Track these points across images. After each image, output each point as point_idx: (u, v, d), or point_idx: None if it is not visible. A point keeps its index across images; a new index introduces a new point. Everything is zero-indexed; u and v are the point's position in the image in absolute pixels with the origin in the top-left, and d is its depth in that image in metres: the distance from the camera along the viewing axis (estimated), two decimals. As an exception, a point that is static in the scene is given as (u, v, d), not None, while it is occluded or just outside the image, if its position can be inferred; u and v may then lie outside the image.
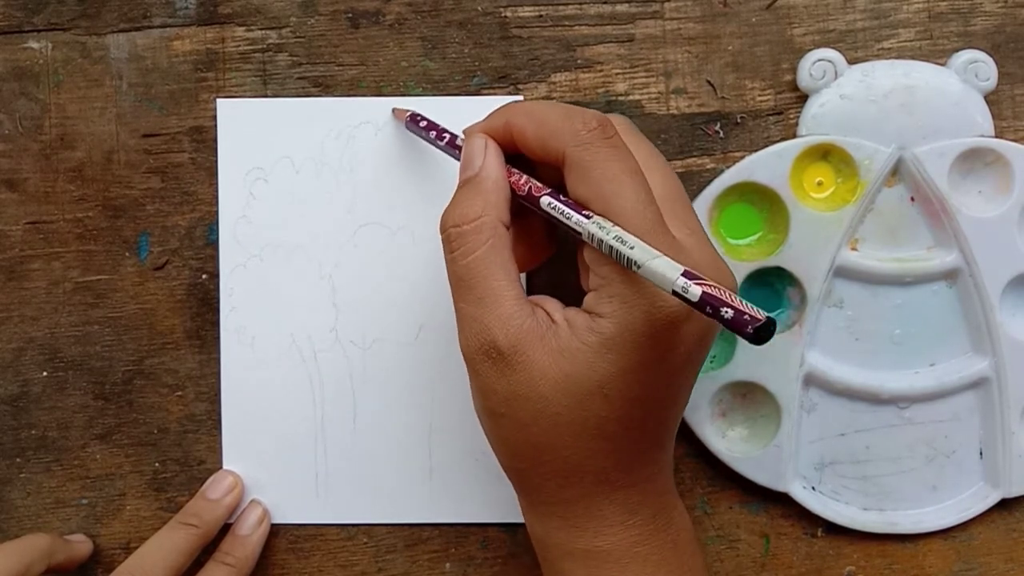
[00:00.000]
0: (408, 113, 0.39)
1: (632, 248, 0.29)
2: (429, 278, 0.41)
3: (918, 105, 0.39)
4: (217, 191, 0.41)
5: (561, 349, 0.31)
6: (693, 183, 0.41)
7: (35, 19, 0.41)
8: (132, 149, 0.41)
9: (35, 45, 0.41)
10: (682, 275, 0.27)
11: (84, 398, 0.41)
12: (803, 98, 0.40)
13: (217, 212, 0.41)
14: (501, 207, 0.33)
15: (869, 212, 0.40)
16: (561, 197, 0.32)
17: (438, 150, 0.38)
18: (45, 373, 0.41)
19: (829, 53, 0.40)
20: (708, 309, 0.27)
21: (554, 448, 0.32)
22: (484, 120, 0.35)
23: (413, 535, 0.41)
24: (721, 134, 0.41)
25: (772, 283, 0.41)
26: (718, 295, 0.27)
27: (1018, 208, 0.39)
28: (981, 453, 0.41)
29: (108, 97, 0.41)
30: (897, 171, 0.40)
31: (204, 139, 0.41)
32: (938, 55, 0.41)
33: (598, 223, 0.30)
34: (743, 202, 0.40)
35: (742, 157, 0.40)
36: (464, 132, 0.36)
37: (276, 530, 0.41)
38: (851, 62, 0.40)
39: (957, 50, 0.40)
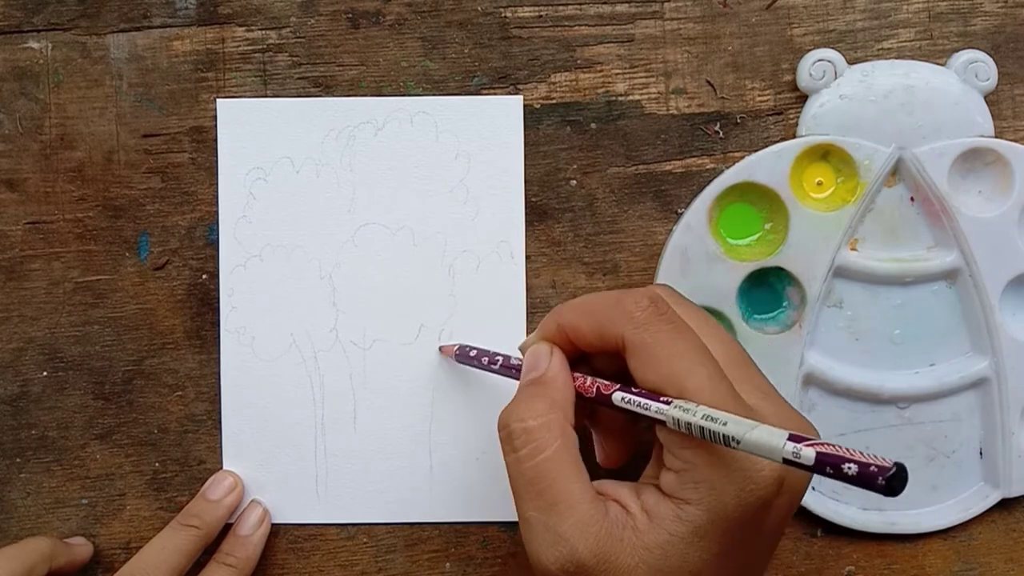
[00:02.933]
0: (456, 348, 0.39)
1: (725, 424, 0.27)
2: (429, 278, 0.41)
3: (918, 105, 0.39)
4: (217, 191, 0.41)
5: (647, 545, 0.29)
6: (693, 183, 0.41)
7: (35, 19, 0.41)
8: (132, 149, 0.41)
9: (35, 45, 0.41)
10: (788, 440, 0.26)
11: (84, 398, 0.41)
12: (803, 98, 0.40)
13: (217, 212, 0.41)
14: (568, 407, 0.31)
15: (869, 212, 0.40)
16: (632, 389, 0.31)
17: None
18: (45, 373, 0.41)
19: (829, 53, 0.40)
20: (828, 470, 0.25)
21: None
22: (536, 330, 0.34)
23: (413, 535, 0.41)
24: (721, 134, 0.41)
25: (772, 283, 0.41)
26: (836, 452, 0.25)
27: (1018, 208, 0.40)
28: (981, 453, 0.41)
29: (108, 97, 0.41)
30: (897, 171, 0.40)
31: (204, 139, 0.41)
32: (938, 55, 0.41)
33: (680, 406, 0.29)
34: (743, 202, 0.40)
35: (742, 157, 0.40)
36: (520, 347, 0.35)
37: (276, 530, 0.41)
38: (851, 62, 0.40)
39: (957, 50, 0.40)
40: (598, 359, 0.34)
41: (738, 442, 0.27)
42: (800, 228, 0.39)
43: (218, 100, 0.41)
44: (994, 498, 0.41)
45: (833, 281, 0.40)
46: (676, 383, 0.29)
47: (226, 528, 0.40)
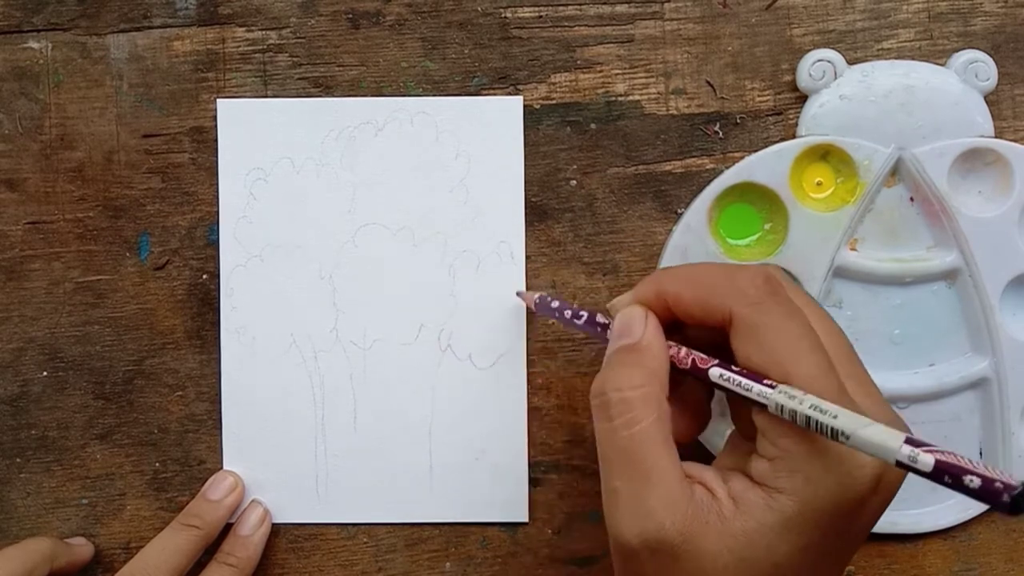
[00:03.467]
0: (536, 297, 0.38)
1: (836, 418, 0.26)
2: (429, 278, 0.41)
3: (918, 105, 0.39)
4: (217, 191, 0.41)
5: (733, 532, 0.28)
6: (692, 183, 0.41)
7: (35, 19, 0.41)
8: (132, 149, 0.41)
9: (35, 45, 0.41)
10: (905, 443, 0.25)
11: (84, 398, 0.41)
12: (803, 98, 0.40)
13: (217, 212, 0.41)
14: (664, 379, 0.30)
15: (868, 212, 0.40)
16: (732, 367, 0.29)
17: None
18: (45, 373, 0.41)
19: (829, 53, 0.40)
20: (947, 479, 0.24)
21: None
22: (633, 291, 0.33)
23: (413, 535, 0.41)
24: (721, 134, 0.41)
25: (772, 283, 0.41)
26: (957, 463, 0.24)
27: (1018, 208, 0.40)
28: (981, 453, 0.41)
29: (108, 97, 0.41)
30: (897, 171, 0.40)
31: (204, 139, 0.41)
32: (938, 55, 0.41)
33: (786, 392, 0.27)
34: (743, 202, 0.40)
35: (742, 157, 0.40)
36: (609, 307, 0.34)
37: (276, 530, 0.41)
38: (851, 62, 0.40)
39: (957, 50, 0.40)
40: (692, 330, 0.33)
41: (848, 437, 0.26)
42: (800, 228, 0.39)
43: (218, 100, 0.41)
44: (994, 498, 0.41)
45: (833, 281, 0.40)
46: (783, 367, 0.28)
47: (227, 528, 0.40)
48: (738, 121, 0.41)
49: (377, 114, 0.41)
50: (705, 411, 0.33)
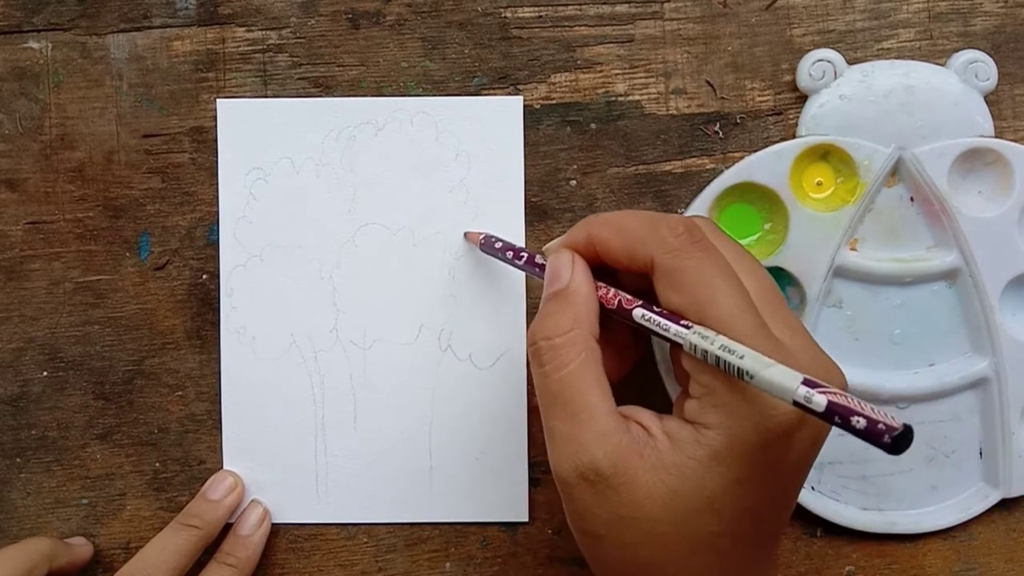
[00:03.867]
0: (481, 236, 0.39)
1: (742, 358, 0.27)
2: (429, 278, 0.41)
3: (918, 105, 0.39)
4: (217, 191, 0.41)
5: (666, 465, 0.29)
6: (692, 183, 0.41)
7: (35, 19, 0.41)
8: (132, 149, 0.41)
9: (35, 45, 0.41)
10: (802, 384, 0.26)
11: (84, 398, 0.41)
12: (803, 98, 0.40)
13: (217, 212, 0.41)
14: (592, 321, 0.32)
15: (869, 212, 0.40)
16: (654, 308, 0.31)
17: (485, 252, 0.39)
18: (45, 373, 0.41)
19: (829, 53, 0.40)
20: (836, 419, 0.25)
21: (661, 567, 0.30)
22: (565, 236, 0.34)
23: (413, 535, 0.41)
24: (721, 134, 0.41)
25: (772, 283, 0.41)
26: (847, 404, 0.25)
27: (1018, 208, 0.40)
28: (981, 453, 0.41)
29: (108, 97, 0.41)
30: (897, 171, 0.40)
31: (204, 139, 0.41)
32: (938, 55, 0.41)
33: (700, 333, 0.29)
34: (743, 202, 0.40)
35: (742, 157, 0.40)
36: (544, 250, 0.35)
37: (276, 530, 0.41)
38: (851, 62, 0.40)
39: (957, 50, 0.40)
40: (624, 276, 0.34)
41: (752, 377, 0.27)
42: (800, 228, 0.39)
43: (218, 100, 0.41)
44: (994, 498, 0.41)
45: (833, 281, 0.40)
46: (699, 309, 0.29)
47: (226, 528, 0.40)
48: (738, 121, 0.41)
49: (377, 114, 0.41)
50: (632, 350, 0.35)
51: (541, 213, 0.41)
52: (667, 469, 0.29)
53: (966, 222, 0.39)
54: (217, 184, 0.41)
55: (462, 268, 0.41)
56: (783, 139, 0.40)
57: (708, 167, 0.41)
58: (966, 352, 0.41)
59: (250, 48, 0.41)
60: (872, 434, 0.24)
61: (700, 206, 0.40)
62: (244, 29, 0.41)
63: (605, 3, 0.41)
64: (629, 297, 0.32)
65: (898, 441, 0.24)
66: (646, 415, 0.31)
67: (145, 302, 0.41)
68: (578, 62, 0.41)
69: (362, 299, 0.41)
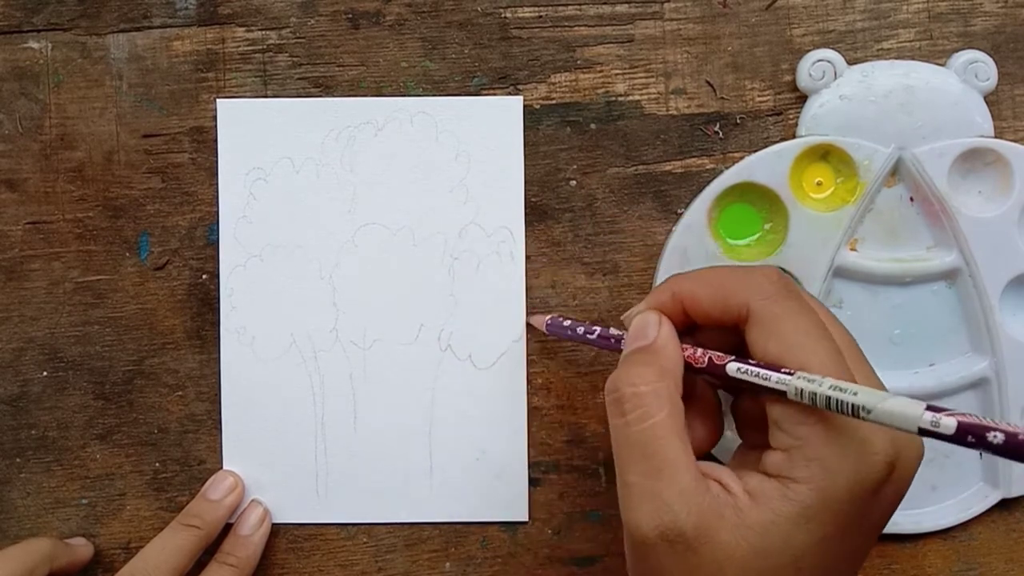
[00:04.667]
0: (548, 319, 0.39)
1: (856, 394, 0.26)
2: (429, 278, 0.41)
3: (918, 105, 0.39)
4: (217, 191, 0.41)
5: (749, 524, 0.28)
6: (692, 183, 0.41)
7: (35, 19, 0.41)
8: (132, 149, 0.41)
9: (35, 45, 0.41)
10: (927, 409, 0.25)
11: (84, 398, 0.41)
12: (802, 98, 0.40)
13: (217, 212, 0.41)
14: (678, 377, 0.31)
15: (868, 212, 0.40)
16: (749, 360, 0.30)
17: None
18: (45, 373, 0.41)
19: (828, 53, 0.40)
20: (970, 439, 0.24)
21: None
22: (647, 299, 0.33)
23: (413, 535, 0.41)
24: (720, 134, 0.41)
25: (772, 283, 0.41)
26: (978, 422, 0.24)
27: (1018, 208, 0.40)
28: (981, 453, 0.41)
29: (108, 97, 0.41)
30: (897, 171, 0.40)
31: (204, 139, 0.41)
32: (938, 55, 0.41)
33: (805, 377, 0.28)
34: (743, 202, 0.40)
35: (742, 157, 0.40)
36: (624, 318, 0.35)
37: (276, 530, 0.41)
38: (851, 62, 0.40)
39: (957, 50, 0.40)
40: (705, 334, 0.33)
41: (869, 411, 0.26)
42: (800, 228, 0.39)
43: (218, 100, 0.41)
44: (994, 498, 0.41)
45: (833, 281, 0.40)
46: (798, 355, 0.29)
47: (227, 528, 0.40)
48: (738, 121, 0.41)
49: (377, 114, 0.41)
50: (719, 421, 0.34)
51: (541, 213, 0.41)
52: (751, 528, 0.28)
53: (966, 222, 0.39)
54: (217, 184, 0.41)
55: (462, 268, 0.41)
56: (783, 139, 0.40)
57: (708, 167, 0.41)
58: (966, 352, 0.41)
59: (250, 48, 0.41)
60: (1015, 448, 0.23)
61: (700, 206, 0.40)
62: (244, 29, 0.41)
63: (605, 3, 0.41)
64: (719, 354, 0.31)
65: None
66: (725, 472, 0.30)
67: (145, 302, 0.41)
68: (578, 62, 0.41)
69: (362, 299, 0.41)
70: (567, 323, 0.38)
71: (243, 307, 0.41)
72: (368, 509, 0.41)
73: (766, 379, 0.29)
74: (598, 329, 0.36)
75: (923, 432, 0.25)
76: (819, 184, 0.40)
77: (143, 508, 0.41)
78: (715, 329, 0.32)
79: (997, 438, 0.23)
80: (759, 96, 0.41)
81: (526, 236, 0.41)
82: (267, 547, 0.41)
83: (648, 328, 0.32)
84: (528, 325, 0.41)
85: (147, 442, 0.41)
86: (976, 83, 0.39)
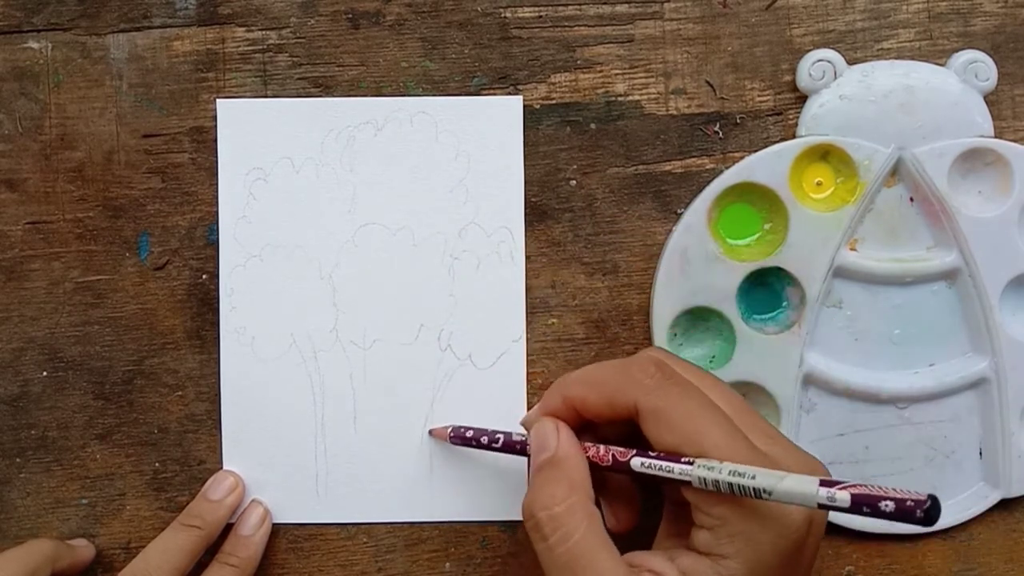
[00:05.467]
0: (449, 430, 0.39)
1: (754, 478, 0.28)
2: (429, 278, 0.41)
3: (918, 105, 0.39)
4: (217, 191, 0.41)
5: None
6: (692, 183, 0.41)
7: (35, 19, 0.41)
8: (132, 149, 0.41)
9: (35, 45, 0.41)
10: (820, 485, 0.27)
11: (84, 398, 0.41)
12: (802, 98, 0.40)
13: (217, 212, 0.41)
14: (587, 484, 0.32)
15: (868, 212, 0.40)
16: (650, 453, 0.31)
17: None
18: (45, 373, 0.41)
19: (828, 53, 0.40)
20: (865, 509, 0.26)
21: None
22: (540, 405, 0.35)
23: (413, 535, 0.41)
24: (720, 134, 0.41)
25: (771, 283, 0.41)
26: (869, 492, 0.26)
27: (1018, 208, 0.40)
28: (981, 453, 0.41)
29: (108, 97, 0.41)
30: (896, 171, 0.40)
31: (204, 139, 0.41)
32: (938, 55, 0.41)
33: (705, 465, 0.29)
34: (742, 202, 0.40)
35: (741, 157, 0.40)
36: (522, 422, 0.36)
37: (276, 530, 0.41)
38: (851, 62, 0.40)
39: (957, 50, 0.40)
40: (605, 427, 0.34)
41: (770, 493, 0.28)
42: (799, 228, 0.39)
43: (218, 100, 0.41)
44: (994, 498, 0.41)
45: (832, 281, 0.40)
46: (694, 442, 0.30)
47: (227, 528, 0.40)
48: (738, 121, 0.41)
49: (377, 114, 0.41)
50: (637, 498, 0.35)
51: (541, 213, 0.41)
52: None
53: (966, 222, 0.39)
54: (217, 184, 0.41)
55: (462, 268, 0.41)
56: (783, 139, 0.40)
57: (708, 167, 0.41)
58: (966, 352, 0.41)
59: (250, 48, 0.41)
60: (904, 513, 0.25)
61: (700, 206, 0.40)
62: (244, 29, 0.41)
63: (605, 3, 0.41)
64: (622, 450, 0.32)
65: (930, 512, 0.25)
66: (656, 559, 0.31)
67: (145, 302, 0.41)
68: (578, 62, 0.41)
69: (362, 299, 0.41)
70: (469, 433, 0.38)
71: (243, 307, 0.41)
72: (368, 509, 0.41)
73: (669, 471, 0.30)
74: (501, 437, 0.37)
75: (821, 506, 0.26)
76: (819, 184, 0.40)
77: (143, 508, 0.41)
78: (614, 424, 0.33)
79: (889, 507, 0.25)
80: (759, 96, 0.41)
81: (526, 236, 0.41)
82: (267, 547, 0.41)
83: (547, 438, 0.33)
84: (431, 433, 0.41)
85: (147, 442, 0.41)
86: (976, 83, 0.40)
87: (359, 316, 0.41)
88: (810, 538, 0.30)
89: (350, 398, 0.41)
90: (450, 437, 0.39)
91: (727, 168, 0.40)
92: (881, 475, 0.41)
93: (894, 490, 0.26)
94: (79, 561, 0.40)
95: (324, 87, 0.41)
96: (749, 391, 0.41)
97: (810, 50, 0.40)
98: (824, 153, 0.40)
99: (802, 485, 0.27)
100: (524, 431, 0.37)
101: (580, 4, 0.41)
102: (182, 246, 0.41)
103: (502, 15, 0.41)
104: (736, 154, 0.41)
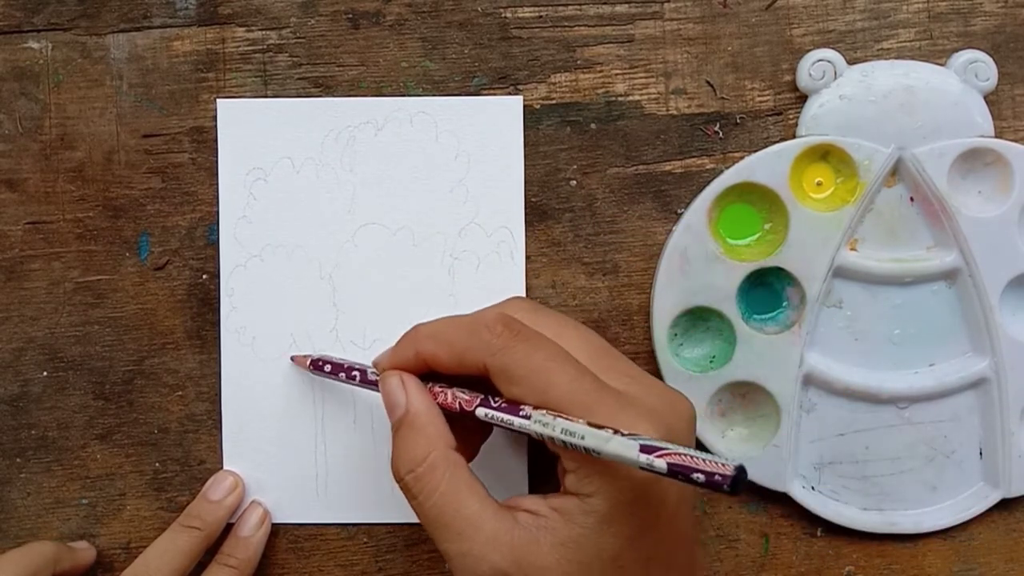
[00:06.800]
0: (309, 360, 0.39)
1: (583, 438, 0.29)
2: (429, 278, 0.41)
3: (918, 105, 0.39)
4: (217, 191, 0.41)
5: (563, 540, 0.30)
6: (693, 183, 0.41)
7: (35, 19, 0.41)
8: (132, 149, 0.41)
9: (35, 45, 0.41)
10: (641, 451, 0.28)
11: (84, 398, 0.41)
12: (803, 98, 0.40)
13: (217, 212, 0.41)
14: (443, 436, 0.33)
15: (868, 212, 0.40)
16: (492, 402, 0.32)
17: None
18: (45, 373, 0.41)
19: (828, 53, 0.40)
20: (680, 477, 0.27)
21: None
22: (391, 354, 0.35)
23: (413, 535, 0.41)
24: (721, 134, 0.41)
25: (771, 283, 0.41)
26: (683, 462, 0.27)
27: (1018, 208, 0.40)
28: (981, 453, 0.41)
29: (108, 97, 0.41)
30: (896, 171, 0.40)
31: (204, 139, 0.41)
32: (938, 55, 0.41)
33: (540, 421, 0.30)
34: (742, 202, 0.40)
35: (742, 157, 0.40)
36: (374, 364, 0.36)
37: (276, 530, 0.41)
38: (851, 62, 0.40)
39: (957, 50, 0.40)
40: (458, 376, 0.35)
41: (598, 454, 0.29)
42: (800, 228, 0.39)
43: (218, 100, 0.41)
44: (994, 498, 0.41)
45: (832, 281, 0.40)
46: (538, 395, 0.31)
47: (227, 528, 0.40)
48: (738, 121, 0.41)
49: (377, 114, 0.41)
50: (480, 429, 0.36)
51: (541, 213, 0.41)
52: (564, 544, 0.30)
53: (966, 222, 0.39)
54: (217, 184, 0.41)
55: (462, 268, 0.41)
56: (783, 139, 0.40)
57: (708, 167, 0.41)
58: (966, 352, 0.41)
59: (250, 48, 0.41)
60: (712, 484, 0.27)
61: (700, 206, 0.40)
62: (244, 29, 0.41)
63: (605, 3, 0.41)
64: (467, 397, 0.33)
65: (735, 485, 0.27)
66: (530, 500, 0.32)
67: (145, 302, 0.41)
68: (578, 62, 0.41)
69: (362, 299, 0.41)
70: (328, 367, 0.38)
71: (243, 307, 0.41)
72: (368, 509, 0.41)
73: (509, 424, 0.31)
74: (358, 373, 0.37)
75: (643, 469, 0.28)
76: (819, 184, 0.40)
77: (143, 508, 0.41)
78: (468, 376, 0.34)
79: (699, 478, 0.27)
80: (759, 96, 0.41)
81: (526, 236, 0.41)
82: (267, 547, 0.41)
83: (396, 396, 0.34)
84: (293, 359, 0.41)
85: (147, 442, 0.41)
86: (976, 83, 0.40)
87: (359, 316, 0.41)
88: (673, 486, 0.31)
89: (350, 398, 0.41)
90: (310, 366, 0.39)
91: (727, 168, 0.40)
92: (881, 474, 0.41)
93: (706, 461, 0.27)
94: (80, 564, 0.40)
95: (324, 87, 0.41)
96: (749, 391, 0.41)
97: (810, 50, 0.40)
98: (824, 153, 0.40)
99: (625, 449, 0.28)
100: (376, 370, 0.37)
101: (580, 4, 0.41)
102: (182, 246, 0.41)
103: (502, 15, 0.41)
104: (736, 154, 0.41)
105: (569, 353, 0.32)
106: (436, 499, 0.31)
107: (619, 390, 0.32)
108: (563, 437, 0.30)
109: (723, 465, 0.27)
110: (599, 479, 0.30)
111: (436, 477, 0.32)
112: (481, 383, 0.33)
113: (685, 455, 0.27)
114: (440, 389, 0.34)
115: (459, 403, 0.33)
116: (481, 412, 0.32)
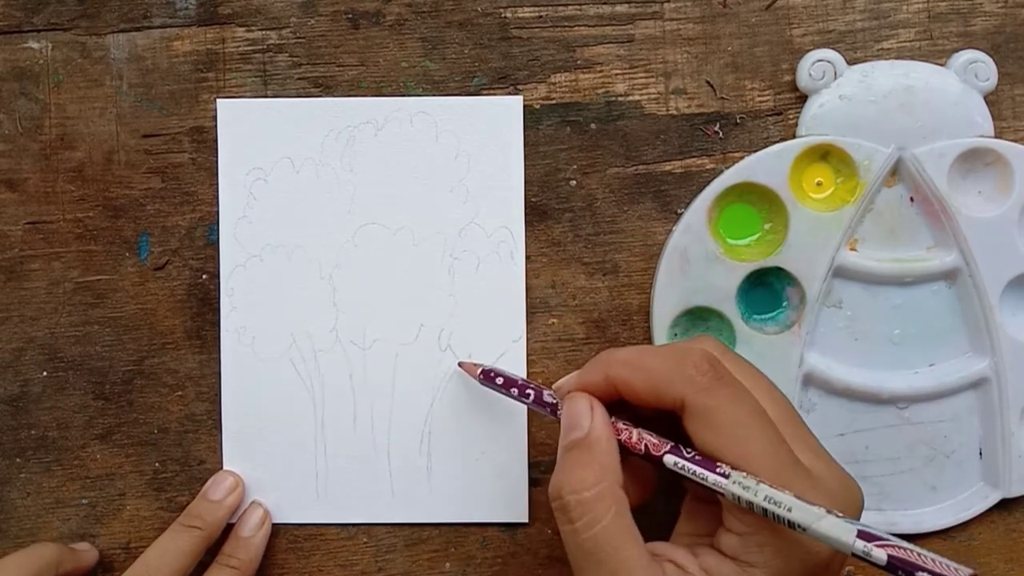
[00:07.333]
0: (480, 370, 0.38)
1: (791, 511, 0.28)
2: (429, 278, 0.41)
3: (918, 105, 0.39)
4: (217, 191, 0.41)
5: None
6: (693, 183, 0.41)
7: (35, 19, 0.41)
8: (132, 149, 0.41)
9: (35, 45, 0.41)
10: (858, 537, 0.26)
11: (84, 398, 0.41)
12: (803, 98, 0.40)
13: (217, 212, 0.41)
14: (617, 469, 0.31)
15: (868, 212, 0.40)
16: (684, 452, 0.31)
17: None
18: (45, 373, 0.41)
19: (828, 53, 0.40)
20: (900, 573, 0.25)
21: None
22: (580, 375, 0.34)
23: (413, 535, 0.41)
24: (720, 134, 0.41)
25: (771, 283, 0.41)
26: (908, 558, 0.25)
27: (1018, 208, 0.40)
28: (981, 453, 0.41)
29: (108, 97, 0.41)
30: (896, 171, 0.40)
31: (204, 139, 0.41)
32: (938, 55, 0.41)
33: (740, 483, 0.29)
34: (742, 202, 0.40)
35: (742, 157, 0.40)
36: (555, 387, 0.35)
37: (276, 530, 0.41)
38: (851, 62, 0.40)
39: (957, 50, 0.40)
40: (640, 408, 0.34)
41: (804, 529, 0.27)
42: (800, 228, 0.39)
43: (218, 100, 0.41)
44: (994, 498, 0.41)
45: (832, 281, 0.40)
46: (734, 449, 0.30)
47: (227, 528, 0.40)
48: (738, 121, 0.41)
49: (377, 114, 0.41)
50: (654, 480, 0.35)
51: (541, 213, 0.41)
52: None
53: (966, 222, 0.39)
54: (217, 184, 0.41)
55: (462, 268, 0.41)
56: (783, 139, 0.40)
57: (708, 167, 0.41)
58: (966, 352, 0.41)
59: (250, 48, 0.41)
60: None
61: (700, 206, 0.40)
62: (244, 29, 0.41)
63: (605, 3, 0.41)
64: (655, 441, 0.32)
65: None
66: (679, 553, 0.31)
67: (145, 302, 0.41)
68: (578, 62, 0.41)
69: (362, 299, 0.41)
70: (500, 380, 0.37)
71: (243, 307, 0.41)
72: (368, 509, 0.41)
73: (703, 479, 0.30)
74: (532, 392, 0.36)
75: (856, 556, 0.26)
76: (819, 184, 0.40)
77: (143, 508, 0.41)
78: (652, 410, 0.32)
79: None
80: (759, 96, 0.41)
81: (526, 236, 0.41)
82: (267, 547, 0.41)
83: (580, 418, 0.32)
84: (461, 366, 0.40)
85: (147, 442, 0.41)
86: (976, 83, 0.40)
87: (359, 316, 0.41)
88: (837, 557, 0.30)
89: (350, 398, 0.41)
90: (480, 376, 0.38)
91: (727, 168, 0.40)
92: (881, 474, 0.41)
93: (936, 562, 0.25)
94: (82, 565, 0.40)
95: (324, 87, 0.41)
96: (749, 391, 0.41)
97: (810, 50, 0.40)
98: (824, 153, 0.40)
99: (839, 531, 0.26)
100: (554, 397, 0.36)
101: (580, 4, 0.41)
102: (182, 246, 0.41)
103: (502, 15, 0.41)
104: (736, 154, 0.41)
105: (767, 415, 0.31)
106: (596, 531, 0.30)
107: (806, 466, 0.30)
108: (765, 505, 0.28)
109: (956, 570, 0.25)
110: (769, 552, 0.29)
111: (601, 508, 0.30)
112: (660, 423, 0.32)
113: (911, 551, 0.25)
114: (624, 427, 0.32)
115: (645, 445, 0.32)
116: (670, 460, 0.31)
